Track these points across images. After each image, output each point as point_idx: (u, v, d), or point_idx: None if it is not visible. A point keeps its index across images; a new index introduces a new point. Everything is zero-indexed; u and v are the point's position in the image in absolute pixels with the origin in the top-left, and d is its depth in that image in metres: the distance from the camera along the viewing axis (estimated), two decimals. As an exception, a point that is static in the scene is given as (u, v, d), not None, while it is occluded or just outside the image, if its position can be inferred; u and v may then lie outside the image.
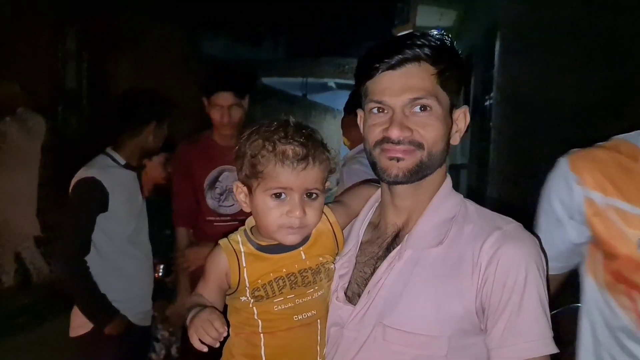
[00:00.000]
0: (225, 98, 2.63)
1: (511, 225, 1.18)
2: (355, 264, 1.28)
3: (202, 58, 7.83)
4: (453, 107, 1.22)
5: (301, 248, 1.25)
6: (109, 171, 2.52)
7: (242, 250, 1.25)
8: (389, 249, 1.24)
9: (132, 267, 2.60)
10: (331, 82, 16.68)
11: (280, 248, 1.23)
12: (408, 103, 1.16)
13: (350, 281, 1.27)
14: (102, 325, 2.40)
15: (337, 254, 1.31)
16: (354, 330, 1.20)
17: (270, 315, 1.23)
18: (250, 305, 1.23)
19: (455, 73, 1.21)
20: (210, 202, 2.67)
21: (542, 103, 4.86)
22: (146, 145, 2.63)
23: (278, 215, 1.19)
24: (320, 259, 1.26)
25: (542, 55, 4.94)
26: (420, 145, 1.17)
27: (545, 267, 1.15)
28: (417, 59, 1.15)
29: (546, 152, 3.19)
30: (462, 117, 1.26)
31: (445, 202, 1.24)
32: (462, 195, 1.29)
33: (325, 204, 1.30)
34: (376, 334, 1.17)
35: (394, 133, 1.15)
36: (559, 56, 4.49)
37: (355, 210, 1.37)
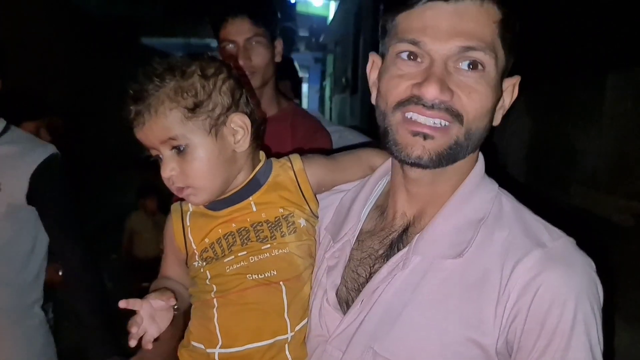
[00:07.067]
0: (236, 27, 1.73)
1: (559, 242, 0.89)
2: (350, 258, 1.03)
3: (73, 12, 7.10)
4: (504, 73, 0.91)
5: (250, 198, 1.11)
6: None
7: (190, 209, 1.15)
8: (392, 247, 0.99)
9: None
10: (215, 43, 15.92)
11: (227, 201, 1.12)
12: (456, 53, 0.84)
13: (341, 279, 1.03)
14: None
15: (311, 211, 1.13)
16: (338, 348, 0.97)
17: (224, 278, 1.09)
18: (202, 270, 1.11)
19: (518, 25, 0.89)
20: None
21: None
22: None
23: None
24: (281, 210, 1.10)
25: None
26: (458, 117, 0.87)
27: (601, 304, 0.88)
28: None
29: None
30: (511, 90, 0.95)
31: (473, 195, 0.95)
32: (497, 185, 0.99)
33: (305, 155, 1.17)
34: None
35: (430, 92, 0.84)
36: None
37: (347, 176, 1.15)
